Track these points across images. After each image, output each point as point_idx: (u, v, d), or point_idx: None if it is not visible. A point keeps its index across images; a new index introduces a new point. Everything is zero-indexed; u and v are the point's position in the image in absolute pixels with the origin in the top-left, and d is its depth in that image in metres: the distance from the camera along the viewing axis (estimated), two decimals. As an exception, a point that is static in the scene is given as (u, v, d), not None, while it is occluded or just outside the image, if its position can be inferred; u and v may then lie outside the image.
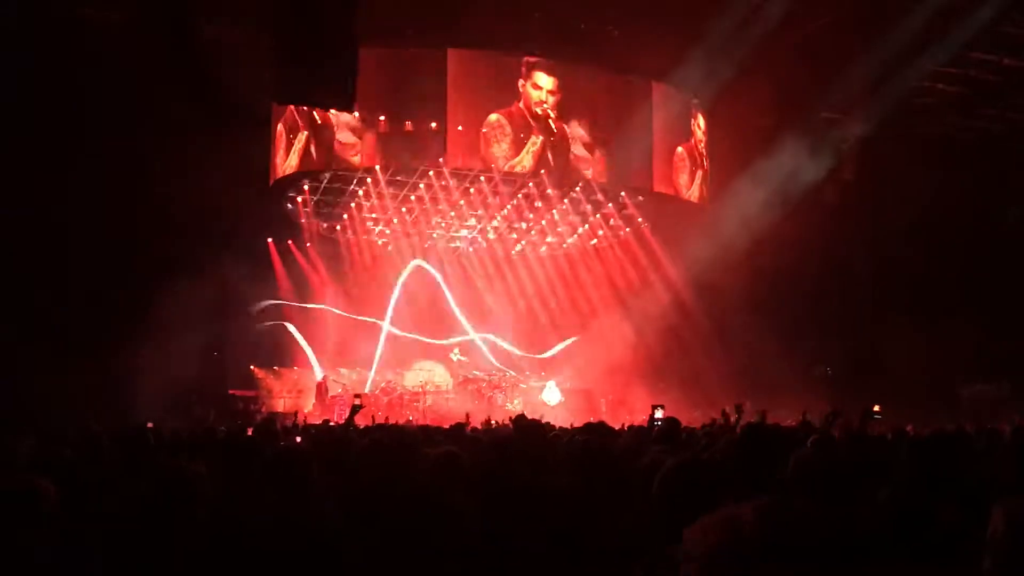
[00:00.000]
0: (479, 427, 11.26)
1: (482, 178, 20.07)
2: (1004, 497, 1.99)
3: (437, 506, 3.86)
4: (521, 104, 18.66)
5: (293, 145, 18.87)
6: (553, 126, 18.89)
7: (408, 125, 18.29)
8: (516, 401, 21.34)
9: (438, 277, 23.10)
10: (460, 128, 18.41)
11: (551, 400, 21.07)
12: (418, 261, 22.85)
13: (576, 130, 19.20)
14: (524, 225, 23.36)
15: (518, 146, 18.58)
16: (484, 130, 18.39)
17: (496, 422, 12.30)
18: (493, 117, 18.45)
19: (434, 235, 23.84)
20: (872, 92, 18.72)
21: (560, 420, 15.47)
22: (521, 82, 18.69)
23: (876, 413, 8.70)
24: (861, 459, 4.27)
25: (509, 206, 21.93)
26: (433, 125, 18.30)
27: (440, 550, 3.49)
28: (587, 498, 4.11)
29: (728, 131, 20.60)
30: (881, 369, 19.28)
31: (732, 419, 7.84)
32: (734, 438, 4.51)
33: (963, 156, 21.32)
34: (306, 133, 18.63)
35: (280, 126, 19.28)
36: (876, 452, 5.66)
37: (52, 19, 16.43)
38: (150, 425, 9.89)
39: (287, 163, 19.07)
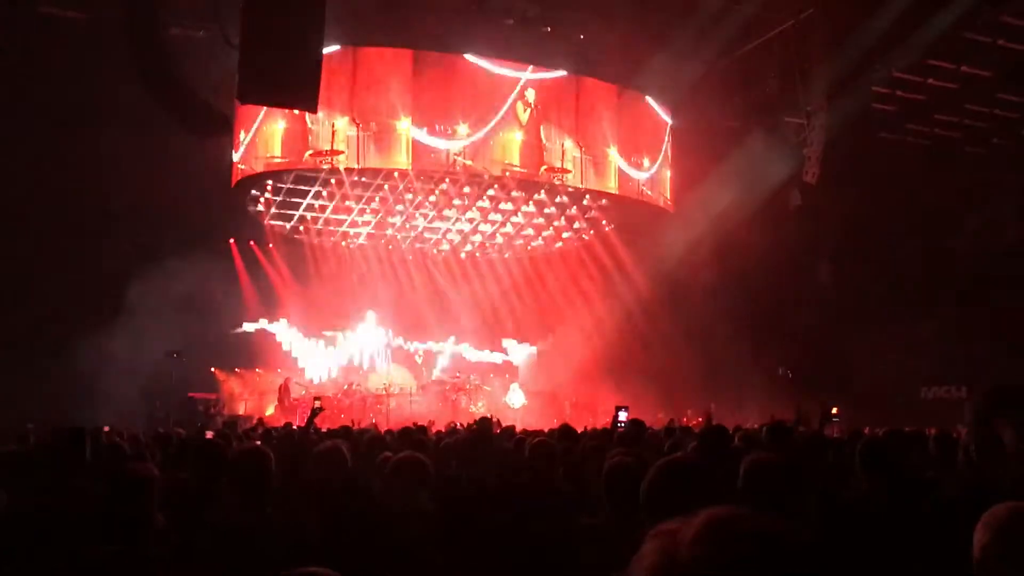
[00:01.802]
0: (443, 430, 11.24)
1: (447, 180, 20.01)
2: (992, 507, 2.00)
3: (400, 508, 3.84)
4: (512, 105, 19.01)
5: (273, 134, 18.72)
6: (528, 125, 19.16)
7: (373, 126, 18.21)
8: (480, 404, 21.31)
9: None
10: (426, 129, 18.38)
11: (515, 403, 21.08)
12: None
13: (549, 133, 19.31)
14: (490, 228, 23.32)
15: (504, 138, 19.05)
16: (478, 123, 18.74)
17: (460, 425, 12.29)
18: (489, 115, 18.86)
19: (398, 236, 23.71)
20: (834, 97, 18.93)
21: (524, 423, 15.51)
22: (520, 104, 19.08)
23: (834, 416, 8.81)
24: (817, 461, 4.31)
25: (475, 208, 21.89)
26: (399, 125, 18.24)
27: (402, 551, 3.47)
28: (550, 499, 4.10)
29: (693, 134, 20.72)
30: (843, 372, 19.49)
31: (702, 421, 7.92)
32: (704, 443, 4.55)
33: (923, 162, 21.61)
34: (284, 124, 18.49)
35: (249, 121, 19.03)
36: (832, 454, 5.72)
37: (15, 16, 16.18)
38: (106, 428, 9.76)
39: (269, 151, 18.85)
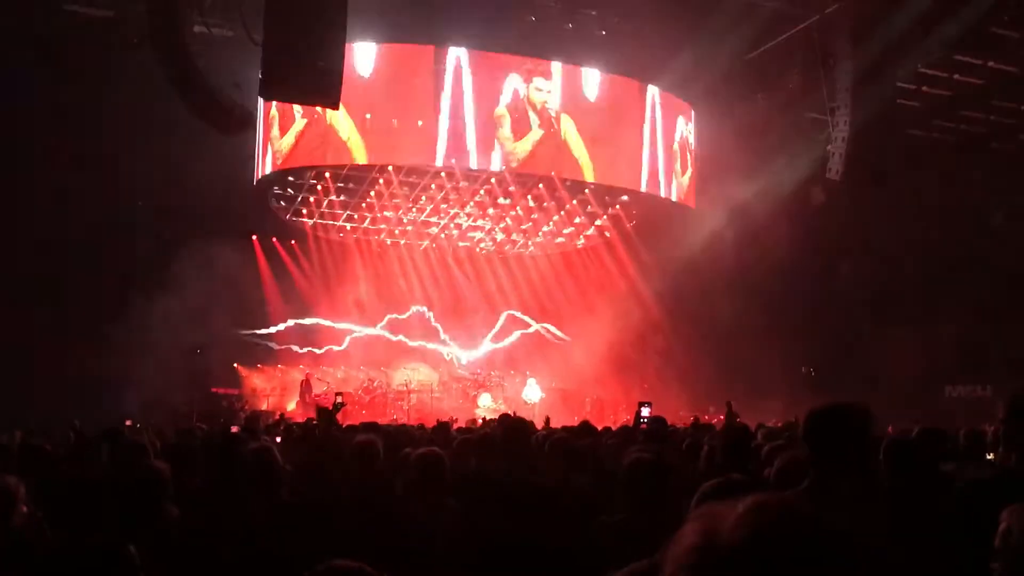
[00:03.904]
0: (464, 426, 11.24)
1: (466, 181, 20.05)
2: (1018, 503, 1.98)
3: (417, 504, 3.84)
4: (525, 100, 18.75)
5: (290, 127, 18.74)
6: (553, 123, 18.94)
7: (395, 123, 18.21)
8: (499, 401, 21.27)
9: None
10: (448, 126, 18.35)
11: (532, 397, 20.99)
12: None
13: (571, 129, 19.20)
14: (508, 223, 23.30)
15: (519, 133, 18.73)
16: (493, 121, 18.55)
17: (483, 420, 12.29)
18: (500, 111, 18.58)
19: (420, 233, 23.72)
20: (859, 93, 18.78)
21: (542, 419, 15.45)
22: (525, 85, 18.78)
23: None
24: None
25: (494, 208, 21.89)
26: (420, 123, 18.23)
27: (420, 550, 3.47)
28: (571, 495, 4.09)
29: (715, 130, 20.61)
30: (867, 370, 19.35)
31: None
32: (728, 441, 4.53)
33: (948, 158, 21.41)
34: (305, 120, 18.51)
35: (273, 110, 19.09)
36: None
37: (41, 14, 16.33)
38: (128, 422, 9.86)
39: (282, 142, 18.89)
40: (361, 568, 1.88)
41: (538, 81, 18.89)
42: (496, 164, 18.87)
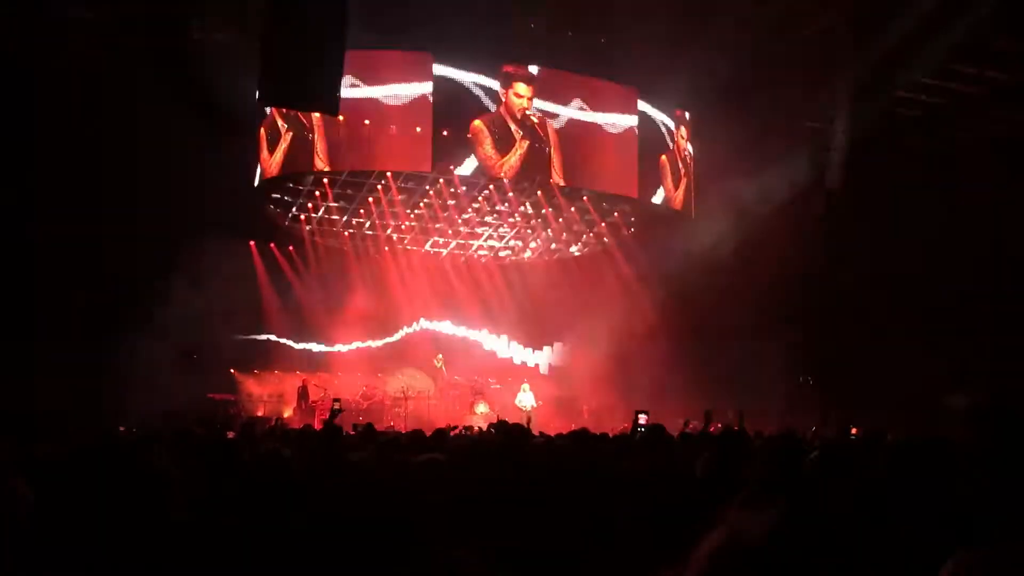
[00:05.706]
0: (461, 432, 11.22)
1: (464, 187, 20.09)
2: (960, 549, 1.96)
3: (419, 512, 3.83)
4: (503, 109, 18.59)
5: (279, 144, 18.75)
6: (539, 131, 18.83)
7: (392, 129, 18.22)
8: (496, 408, 21.24)
9: None
10: (445, 133, 18.35)
11: (525, 404, 20.95)
12: None
13: (560, 136, 19.15)
14: (502, 231, 23.32)
15: (503, 148, 18.52)
16: (469, 135, 18.35)
17: (479, 428, 12.29)
18: (477, 123, 18.41)
19: (417, 240, 23.74)
20: (857, 102, 18.81)
21: (538, 426, 15.42)
22: (502, 90, 18.65)
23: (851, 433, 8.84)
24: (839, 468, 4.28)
25: (492, 215, 21.92)
26: (418, 129, 18.23)
27: (420, 558, 3.46)
28: (569, 503, 4.08)
29: (713, 140, 20.63)
30: (864, 379, 19.34)
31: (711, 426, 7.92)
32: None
33: (947, 168, 21.42)
34: (292, 133, 18.52)
35: (262, 127, 19.13)
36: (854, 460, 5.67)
37: (40, 19, 16.36)
38: (122, 428, 9.83)
39: (272, 160, 18.91)
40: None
41: (519, 87, 18.78)
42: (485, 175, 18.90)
